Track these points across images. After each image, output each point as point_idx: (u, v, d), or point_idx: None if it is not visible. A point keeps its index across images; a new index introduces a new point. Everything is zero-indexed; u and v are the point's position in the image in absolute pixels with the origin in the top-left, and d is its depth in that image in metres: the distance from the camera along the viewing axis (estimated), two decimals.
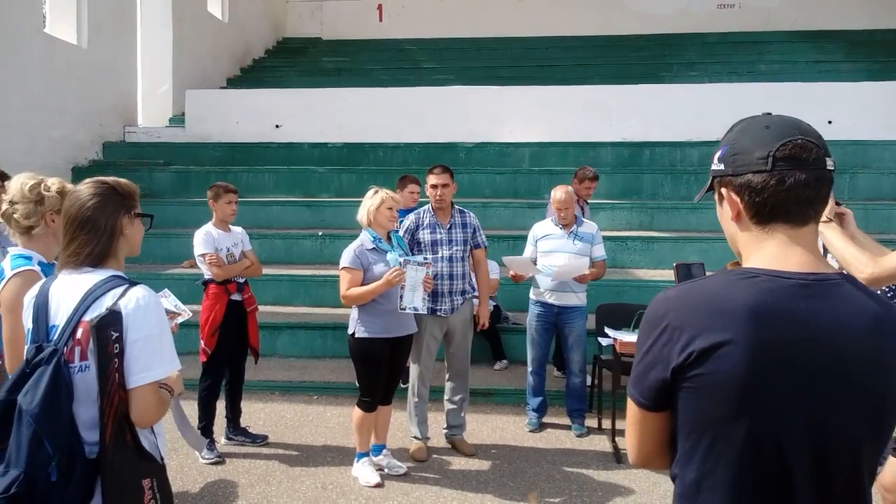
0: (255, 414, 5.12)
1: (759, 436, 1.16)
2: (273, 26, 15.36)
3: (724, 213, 1.27)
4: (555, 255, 4.83)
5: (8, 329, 2.18)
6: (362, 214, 4.05)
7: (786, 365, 1.14)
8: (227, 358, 4.50)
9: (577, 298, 4.88)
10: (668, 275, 7.07)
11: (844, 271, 4.13)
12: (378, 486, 4.01)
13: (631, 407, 1.30)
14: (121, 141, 10.24)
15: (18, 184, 2.31)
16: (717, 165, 1.26)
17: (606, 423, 4.83)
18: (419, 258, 4.07)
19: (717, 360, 1.14)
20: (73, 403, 1.77)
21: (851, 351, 1.15)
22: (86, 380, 1.79)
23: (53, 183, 2.34)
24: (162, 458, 1.97)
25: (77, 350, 1.80)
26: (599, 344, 5.01)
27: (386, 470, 4.17)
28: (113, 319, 1.76)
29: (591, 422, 5.00)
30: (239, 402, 4.69)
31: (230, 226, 4.62)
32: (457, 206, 4.63)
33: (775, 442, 1.16)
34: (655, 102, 9.66)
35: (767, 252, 1.21)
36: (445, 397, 4.66)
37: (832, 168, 1.20)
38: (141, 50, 10.67)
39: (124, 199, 1.94)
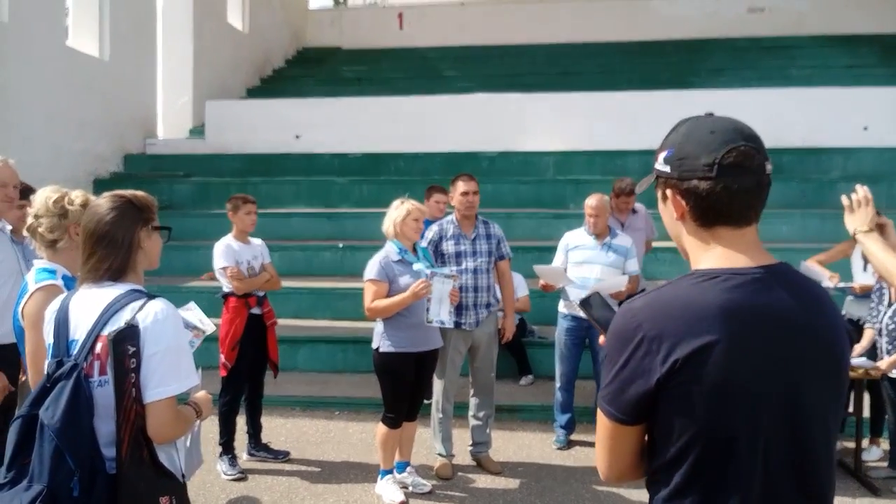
0: (276, 429, 5.02)
1: (749, 429, 1.20)
2: (293, 36, 15.41)
3: (668, 211, 1.32)
4: (587, 266, 4.67)
5: (31, 344, 2.19)
6: (388, 226, 3.96)
7: (763, 357, 1.20)
8: (247, 372, 4.42)
9: None
10: None
11: (882, 282, 3.94)
12: None
13: (604, 423, 1.29)
14: (141, 153, 10.30)
15: (42, 197, 2.33)
16: (662, 166, 1.30)
17: None
18: (445, 270, 3.98)
19: (702, 363, 1.17)
20: (94, 418, 1.79)
21: (811, 333, 1.24)
22: (105, 394, 1.80)
23: (77, 196, 2.36)
24: (183, 475, 1.97)
25: (97, 364, 1.82)
26: None
27: (410, 488, 4.06)
28: (130, 333, 1.78)
29: None
30: (259, 418, 4.61)
31: (250, 238, 4.55)
32: (480, 217, 4.53)
33: (763, 429, 1.20)
34: (684, 109, 9.13)
35: (716, 252, 1.26)
36: (470, 413, 4.54)
37: (770, 172, 1.27)
38: (161, 62, 10.75)
39: (141, 213, 1.96)
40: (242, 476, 4.27)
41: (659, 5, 14.67)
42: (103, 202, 1.94)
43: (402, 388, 3.92)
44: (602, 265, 4.64)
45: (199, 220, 8.29)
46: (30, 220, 2.32)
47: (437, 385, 4.41)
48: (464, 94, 10.61)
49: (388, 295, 3.82)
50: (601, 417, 1.29)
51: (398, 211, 3.92)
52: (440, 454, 4.39)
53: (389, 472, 4.04)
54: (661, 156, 1.29)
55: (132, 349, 1.76)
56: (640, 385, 1.21)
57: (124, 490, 1.76)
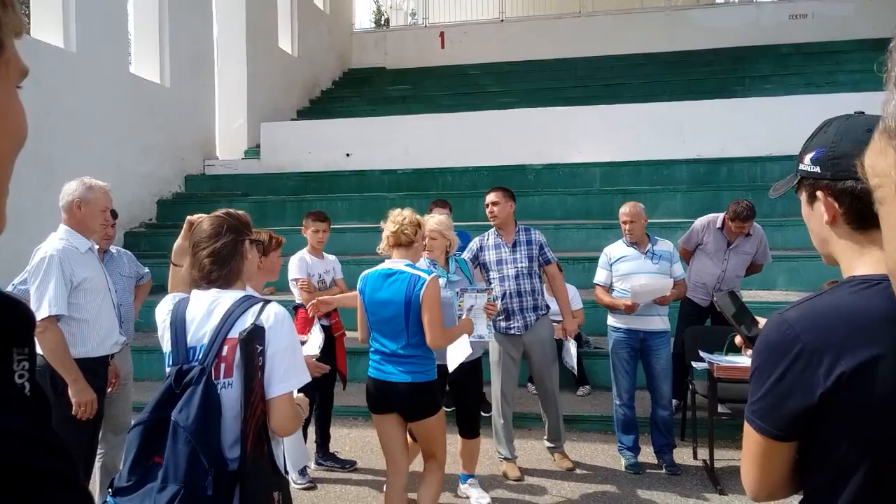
0: (341, 439, 5.15)
1: None
2: (339, 58, 15.80)
3: (816, 215, 1.24)
4: (635, 277, 4.57)
5: None
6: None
7: None
8: (316, 383, 4.54)
9: (662, 322, 4.63)
10: (759, 296, 6.80)
11: None
12: None
13: (755, 439, 1.22)
14: (201, 174, 10.66)
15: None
16: (810, 167, 1.23)
17: (701, 452, 4.65)
18: (480, 285, 4.02)
19: (871, 377, 1.09)
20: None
21: None
22: (229, 396, 1.87)
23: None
24: (286, 472, 2.06)
25: (222, 367, 1.90)
26: (689, 369, 4.82)
27: (473, 501, 4.10)
28: (258, 333, 1.88)
29: (682, 451, 4.81)
30: (328, 428, 4.74)
31: (325, 253, 4.73)
32: (521, 225, 4.64)
33: None
34: (730, 117, 9.40)
35: (874, 257, 1.16)
36: (543, 416, 4.72)
37: None
38: (218, 86, 11.14)
39: (243, 228, 2.09)
40: (312, 485, 4.38)
41: (698, 15, 14.61)
42: (208, 220, 2.07)
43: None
44: (649, 273, 4.55)
45: None
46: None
47: (495, 391, 4.53)
48: (509, 109, 10.74)
49: None
50: (751, 433, 1.23)
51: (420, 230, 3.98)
52: (505, 458, 4.50)
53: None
54: (808, 157, 1.24)
55: (259, 348, 1.86)
56: (800, 400, 1.14)
57: (246, 485, 1.80)
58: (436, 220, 4.00)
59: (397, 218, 3.28)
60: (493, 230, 4.60)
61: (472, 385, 4.07)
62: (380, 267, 3.30)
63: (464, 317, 3.62)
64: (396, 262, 3.25)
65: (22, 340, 0.62)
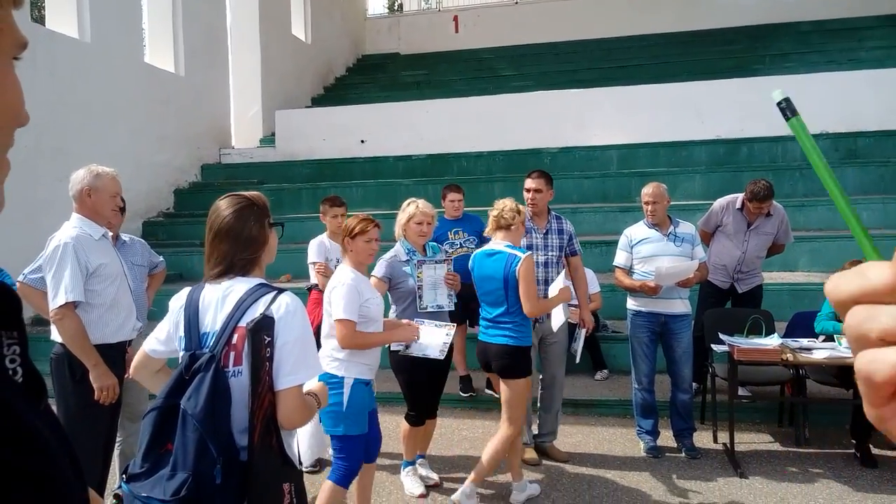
0: None
1: None
2: (352, 44, 15.75)
3: None
4: (657, 259, 4.48)
5: None
6: (396, 228, 3.96)
7: None
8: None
9: (684, 305, 4.55)
10: (781, 277, 6.70)
11: None
12: (422, 496, 3.98)
13: None
14: (217, 162, 10.71)
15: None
16: None
17: (721, 435, 4.60)
18: (439, 256, 3.96)
19: None
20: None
21: None
22: (239, 385, 1.83)
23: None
24: (300, 463, 2.01)
25: (232, 355, 1.86)
26: (709, 352, 4.76)
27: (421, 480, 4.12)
28: (267, 324, 1.82)
29: (702, 434, 4.76)
30: None
31: None
32: (553, 213, 4.54)
33: None
34: (749, 97, 9.22)
35: None
36: (538, 404, 4.59)
37: None
38: (232, 74, 11.16)
39: (263, 211, 2.02)
40: (318, 469, 4.39)
41: None
42: (225, 203, 1.99)
43: (417, 387, 3.90)
44: (672, 256, 4.45)
45: None
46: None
47: None
48: (524, 93, 10.65)
49: (394, 296, 3.85)
50: None
51: (404, 214, 3.92)
52: (525, 442, 4.46)
53: (411, 463, 4.11)
54: None
55: (268, 339, 1.80)
56: None
57: (254, 476, 1.76)
58: (423, 208, 3.93)
59: (498, 204, 3.76)
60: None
61: (445, 369, 4.01)
62: (485, 247, 3.83)
63: (423, 287, 3.83)
64: (497, 244, 3.72)
65: (9, 323, 0.60)
